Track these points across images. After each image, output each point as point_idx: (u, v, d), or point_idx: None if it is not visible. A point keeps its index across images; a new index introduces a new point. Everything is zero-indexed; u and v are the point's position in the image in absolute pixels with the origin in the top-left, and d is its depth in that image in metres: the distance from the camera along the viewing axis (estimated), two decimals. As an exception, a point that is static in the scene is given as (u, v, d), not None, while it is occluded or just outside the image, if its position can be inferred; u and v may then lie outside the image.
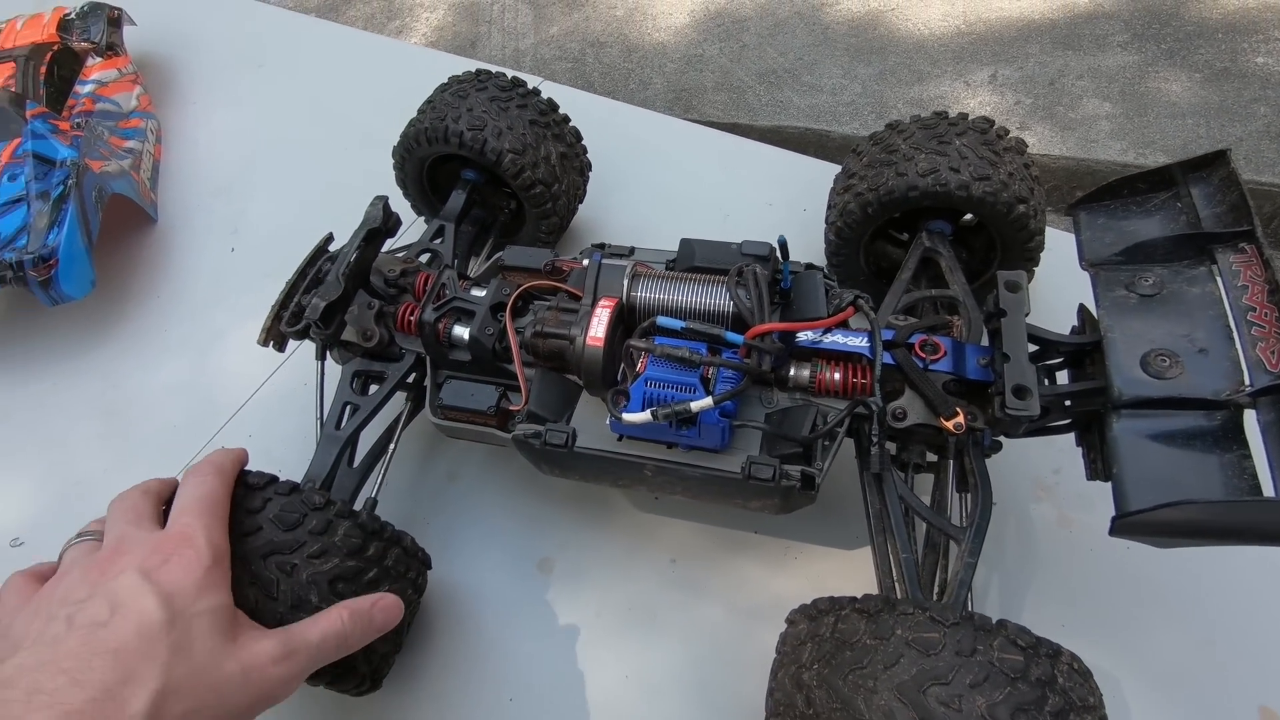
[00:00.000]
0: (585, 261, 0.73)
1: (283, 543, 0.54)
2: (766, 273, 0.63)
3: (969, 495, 0.60)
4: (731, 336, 0.59)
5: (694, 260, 0.68)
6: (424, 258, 0.79)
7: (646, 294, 0.65)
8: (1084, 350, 0.57)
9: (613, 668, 0.70)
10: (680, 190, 1.06)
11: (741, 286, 0.62)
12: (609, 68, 2.52)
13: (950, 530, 0.58)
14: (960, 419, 0.57)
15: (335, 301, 0.66)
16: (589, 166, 0.95)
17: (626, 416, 0.57)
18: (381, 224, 0.71)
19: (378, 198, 0.74)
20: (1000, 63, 2.24)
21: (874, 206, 0.75)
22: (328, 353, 0.73)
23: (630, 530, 0.77)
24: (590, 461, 0.63)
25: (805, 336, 0.62)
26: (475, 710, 0.69)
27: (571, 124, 0.91)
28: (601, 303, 0.63)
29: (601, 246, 0.76)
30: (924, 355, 0.60)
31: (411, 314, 0.71)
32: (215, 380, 0.95)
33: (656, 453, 0.62)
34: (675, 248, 0.71)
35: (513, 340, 0.68)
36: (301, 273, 0.76)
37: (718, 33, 2.48)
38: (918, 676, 0.45)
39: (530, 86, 0.89)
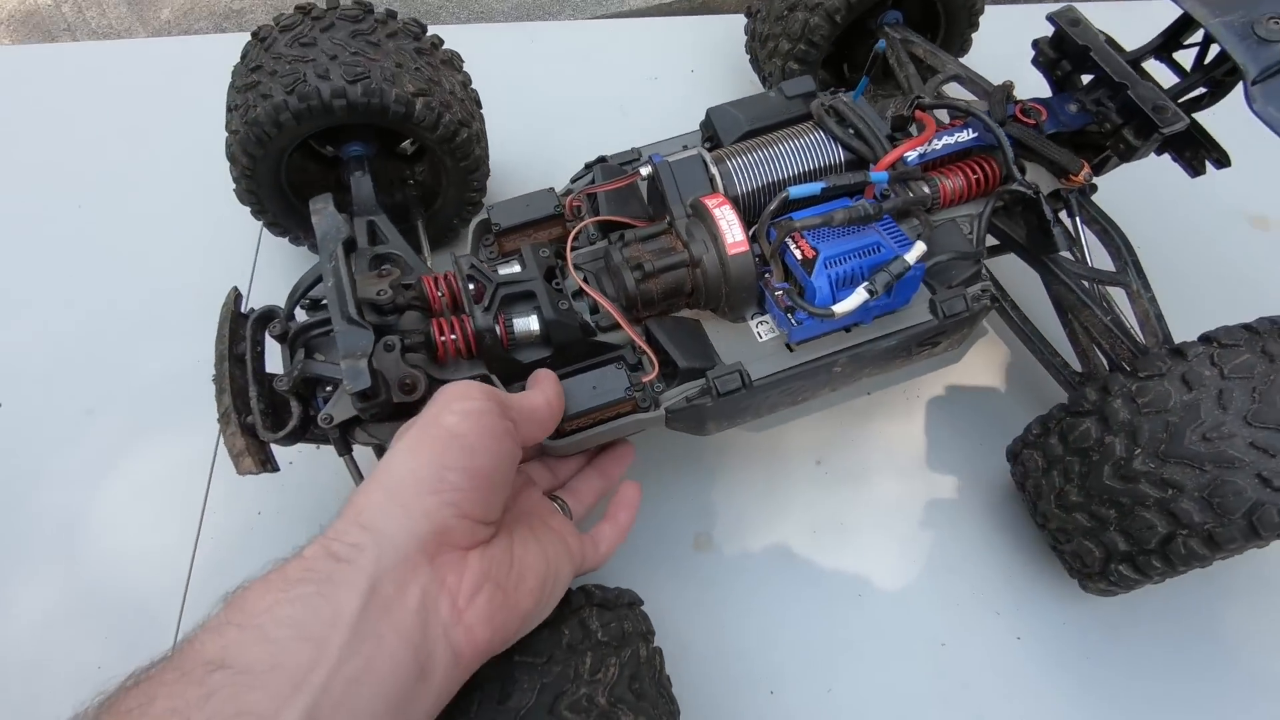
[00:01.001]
0: (596, 182, 0.57)
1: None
2: (853, 100, 0.54)
3: (1099, 243, 0.60)
4: (876, 176, 0.50)
5: (745, 126, 0.57)
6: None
7: (744, 177, 0.53)
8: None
9: (842, 588, 0.62)
10: (566, 96, 0.90)
11: (842, 125, 0.53)
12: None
13: (1118, 279, 0.57)
14: (1087, 169, 0.55)
15: (370, 360, 0.44)
16: (478, 98, 0.75)
17: (839, 307, 0.46)
18: (350, 239, 0.48)
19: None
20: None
21: (843, 13, 0.69)
22: (352, 437, 0.50)
23: (757, 464, 0.68)
24: (772, 390, 0.52)
25: (913, 153, 0.55)
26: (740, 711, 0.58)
27: (447, 46, 0.70)
28: (711, 205, 0.50)
29: (602, 159, 0.60)
30: (1030, 121, 0.56)
31: (452, 332, 0.50)
32: (122, 582, 0.64)
33: (842, 344, 0.52)
34: (635, 145, 0.60)
35: (604, 302, 0.52)
36: (231, 355, 0.50)
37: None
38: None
39: (379, 10, 0.66)
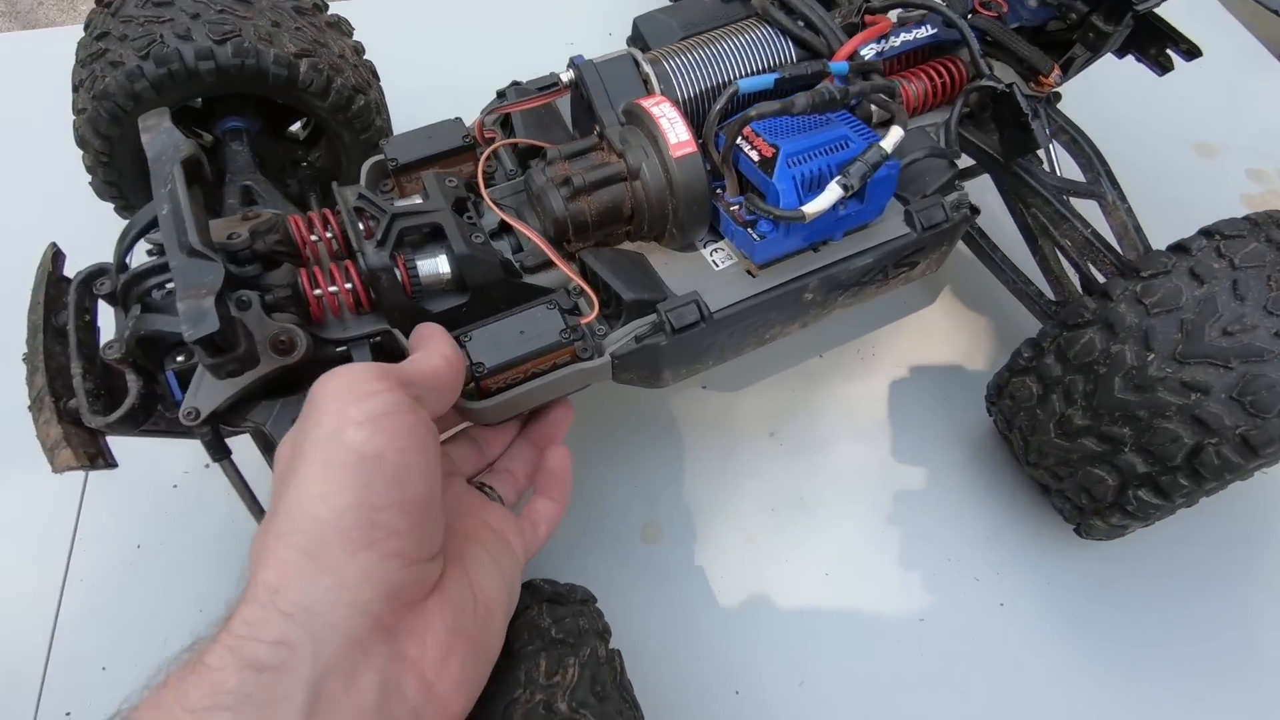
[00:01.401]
0: (482, 116, 0.49)
1: None
2: (799, -9, 0.47)
3: (1067, 155, 0.55)
4: (835, 66, 0.43)
5: (679, 33, 0.49)
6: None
7: (685, 78, 0.45)
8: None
9: (808, 568, 0.54)
10: (475, 71, 0.81)
11: (790, 17, 0.46)
12: None
13: (1092, 190, 0.52)
14: (1057, 70, 0.50)
15: (222, 304, 0.33)
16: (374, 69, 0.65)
17: (809, 207, 0.39)
18: (195, 159, 0.37)
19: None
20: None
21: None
22: (217, 431, 0.39)
23: (707, 442, 0.60)
24: (735, 325, 0.44)
25: (868, 49, 0.49)
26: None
27: (330, 9, 0.61)
28: (648, 105, 0.42)
29: (516, 84, 0.52)
30: (992, 14, 0.51)
31: (332, 283, 0.40)
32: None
33: (812, 264, 0.45)
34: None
35: (528, 231, 0.43)
36: (47, 326, 0.39)
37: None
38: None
39: None
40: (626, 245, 0.47)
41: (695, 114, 0.46)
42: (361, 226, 0.42)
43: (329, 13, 0.61)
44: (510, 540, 0.38)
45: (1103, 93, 0.60)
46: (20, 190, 0.71)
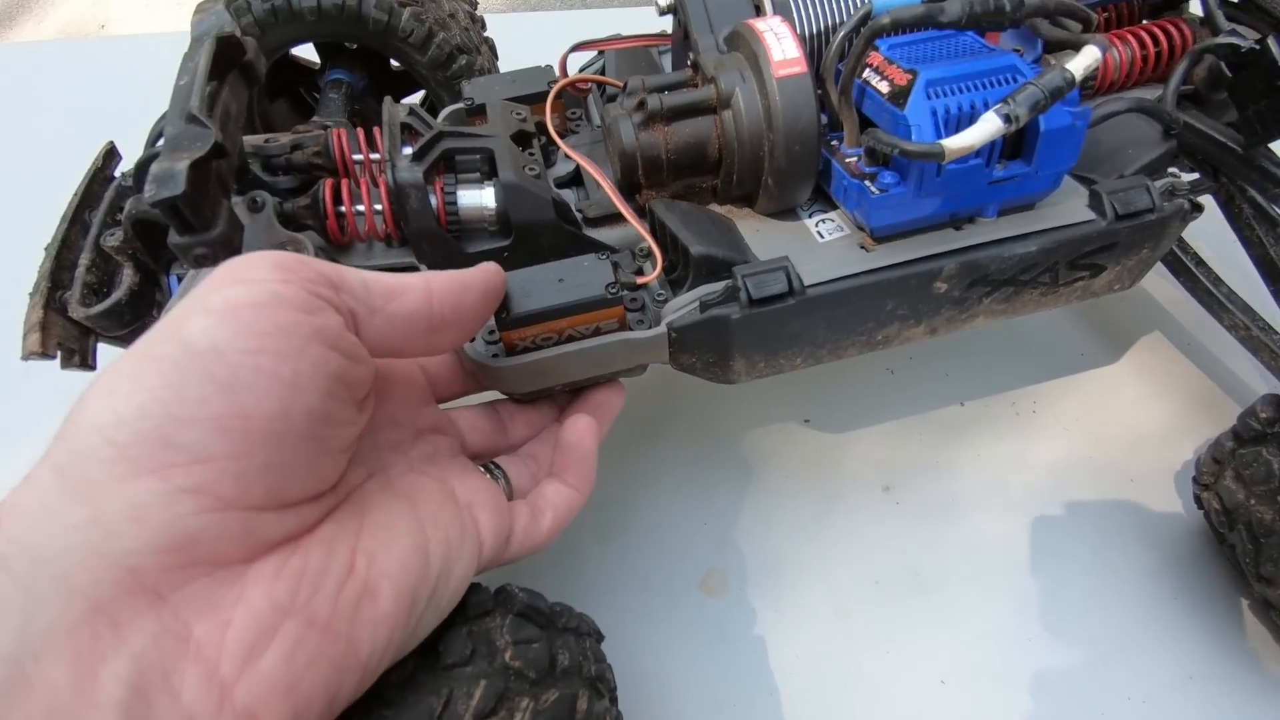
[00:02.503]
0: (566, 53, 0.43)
1: None
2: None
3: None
4: (1010, -13, 0.33)
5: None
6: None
7: (808, 6, 0.36)
8: None
9: (918, 668, 0.40)
10: None
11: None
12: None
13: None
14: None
15: (202, 174, 0.28)
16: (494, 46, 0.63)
17: (953, 141, 0.28)
18: (233, 39, 0.34)
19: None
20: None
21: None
22: None
23: (802, 484, 0.48)
24: (835, 309, 0.34)
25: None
26: None
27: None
28: (755, 23, 0.34)
29: (618, 35, 0.46)
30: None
31: (358, 202, 0.35)
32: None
33: (950, 243, 0.34)
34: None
35: (595, 171, 0.36)
36: (76, 218, 0.36)
37: None
38: None
39: None
40: (714, 207, 0.38)
41: (815, 54, 0.37)
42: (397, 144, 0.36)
43: None
44: (478, 518, 0.28)
45: None
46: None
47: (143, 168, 0.33)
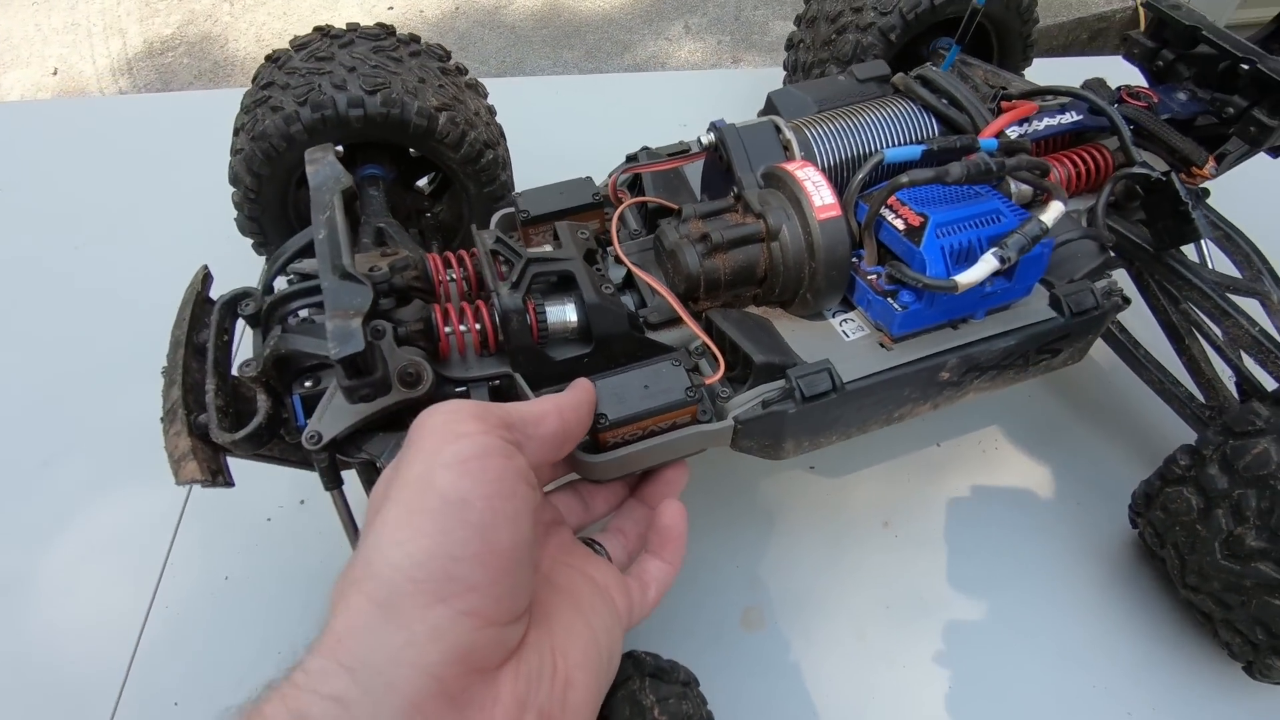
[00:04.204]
0: (617, 175, 0.49)
1: None
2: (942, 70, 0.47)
3: (1219, 252, 0.51)
4: (985, 143, 0.42)
5: (813, 109, 0.49)
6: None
7: (826, 145, 0.45)
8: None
9: (927, 679, 0.49)
10: (594, 143, 0.84)
11: (934, 94, 0.45)
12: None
13: (1254, 288, 0.48)
14: (1212, 161, 0.48)
15: (365, 321, 0.33)
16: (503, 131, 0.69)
17: (963, 277, 0.37)
18: (351, 191, 0.39)
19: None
20: (686, 14, 2.35)
21: (898, 31, 0.64)
22: (334, 459, 0.38)
23: (814, 526, 0.56)
24: (866, 399, 0.42)
25: (1013, 131, 0.48)
26: None
27: (470, 74, 0.65)
28: (792, 168, 0.41)
29: (646, 149, 0.53)
30: (1142, 104, 0.49)
31: (463, 321, 0.40)
32: (59, 657, 0.50)
33: (951, 342, 0.42)
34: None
35: (658, 286, 0.42)
36: (189, 343, 0.40)
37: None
38: None
39: (403, 33, 0.61)
40: (751, 309, 0.45)
41: (835, 183, 0.45)
42: (493, 269, 0.42)
43: (468, 76, 0.65)
44: (615, 598, 0.35)
45: (1244, 196, 0.57)
46: (171, 230, 0.76)
47: (274, 309, 0.38)
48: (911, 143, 0.45)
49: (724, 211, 0.44)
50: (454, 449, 0.27)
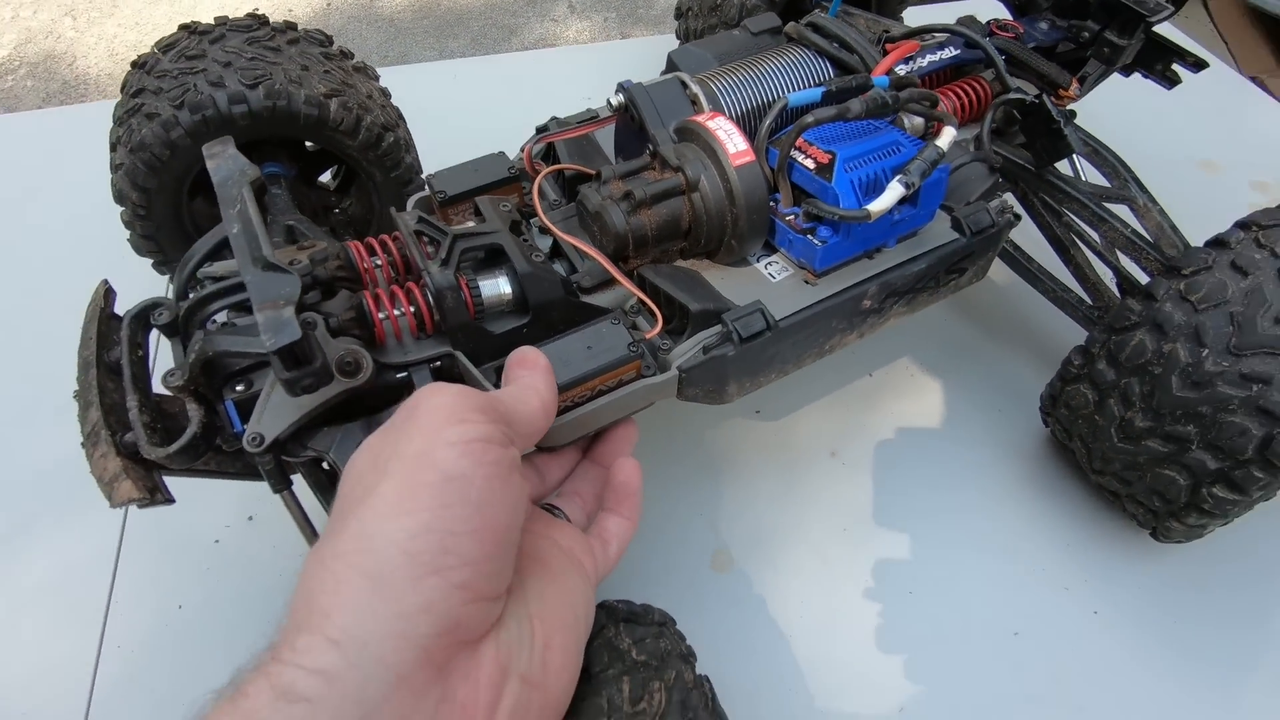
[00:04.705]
0: (529, 146, 0.50)
1: None
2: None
3: (1090, 167, 0.57)
4: (878, 80, 0.45)
5: (714, 64, 0.51)
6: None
7: (732, 97, 0.46)
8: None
9: (891, 587, 0.52)
10: (498, 126, 0.83)
11: (825, 39, 0.48)
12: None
13: (1124, 194, 0.53)
14: (1076, 84, 0.52)
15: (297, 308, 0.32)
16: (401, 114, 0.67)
17: (874, 205, 0.39)
18: (259, 181, 0.37)
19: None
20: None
21: None
22: (279, 460, 0.37)
23: (767, 466, 0.58)
24: (799, 334, 0.44)
25: (900, 68, 0.51)
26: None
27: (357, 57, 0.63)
28: (703, 120, 0.43)
29: (555, 119, 0.53)
30: (1010, 35, 0.53)
31: (396, 306, 0.39)
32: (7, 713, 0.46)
33: (869, 271, 0.45)
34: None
35: (589, 249, 0.43)
36: (100, 362, 0.38)
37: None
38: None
39: (276, 21, 0.58)
40: (679, 263, 0.47)
41: (744, 131, 0.47)
42: (419, 250, 0.41)
43: (355, 59, 0.63)
44: (581, 559, 0.36)
45: (1105, 118, 0.62)
46: (58, 254, 0.70)
47: (193, 313, 0.36)
48: (810, 86, 0.47)
49: (642, 170, 0.44)
50: (458, 430, 0.27)
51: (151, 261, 0.58)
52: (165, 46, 0.56)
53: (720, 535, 0.54)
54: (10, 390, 0.61)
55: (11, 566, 0.51)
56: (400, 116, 0.65)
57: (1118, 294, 0.56)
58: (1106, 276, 0.57)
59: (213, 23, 0.57)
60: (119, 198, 0.54)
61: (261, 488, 0.54)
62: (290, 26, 0.59)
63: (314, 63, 0.57)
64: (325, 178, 0.67)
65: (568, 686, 0.30)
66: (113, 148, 0.55)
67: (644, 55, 0.93)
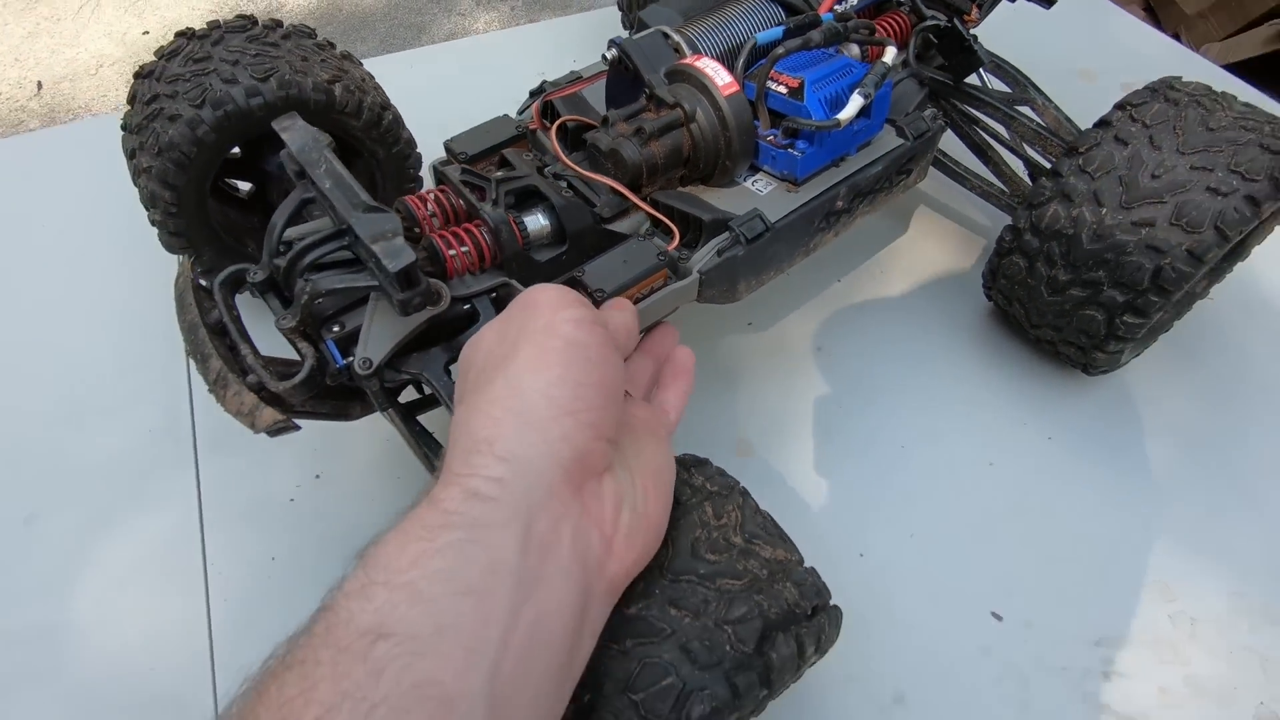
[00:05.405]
0: (535, 106, 0.56)
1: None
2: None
3: (993, 76, 0.67)
4: (825, 16, 0.54)
5: (679, 19, 0.59)
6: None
7: (708, 41, 0.54)
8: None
9: (885, 447, 0.62)
10: (464, 110, 0.88)
11: (775, -15, 0.56)
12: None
13: (1025, 97, 0.64)
14: (976, 9, 0.63)
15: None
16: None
17: (843, 114, 0.48)
18: (332, 140, 0.43)
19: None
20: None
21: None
22: (383, 383, 0.43)
23: (767, 367, 0.67)
24: (790, 233, 0.52)
25: (839, 5, 0.60)
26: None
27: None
28: (691, 60, 0.51)
29: (544, 83, 0.60)
30: (916, -29, 0.63)
31: (462, 244, 0.46)
32: (134, 677, 0.50)
33: (838, 176, 0.54)
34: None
35: (610, 182, 0.50)
36: (204, 324, 0.43)
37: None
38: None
39: (265, 20, 0.62)
40: (680, 189, 0.54)
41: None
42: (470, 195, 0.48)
43: (339, 49, 0.67)
44: (654, 427, 0.43)
45: (999, 39, 0.74)
46: (87, 270, 0.73)
47: (294, 262, 0.41)
48: (770, 26, 0.56)
49: (641, 112, 0.52)
50: (571, 312, 0.35)
51: (179, 258, 0.62)
52: (168, 54, 0.59)
53: (740, 426, 0.63)
54: (57, 395, 0.63)
55: (106, 549, 0.55)
56: (387, 96, 0.69)
57: (1029, 181, 0.67)
58: (1019, 169, 0.68)
59: (207, 27, 0.60)
60: (151, 200, 0.57)
61: (325, 449, 0.60)
62: (277, 24, 0.63)
63: (310, 53, 0.61)
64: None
65: (663, 517, 0.38)
66: (131, 155, 0.58)
67: (585, 30, 1.00)
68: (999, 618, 0.54)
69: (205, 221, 0.60)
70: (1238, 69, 1.03)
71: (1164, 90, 0.57)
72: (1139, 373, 0.67)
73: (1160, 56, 0.99)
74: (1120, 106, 0.58)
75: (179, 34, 0.61)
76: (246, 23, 0.62)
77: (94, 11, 2.22)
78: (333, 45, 0.66)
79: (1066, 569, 0.56)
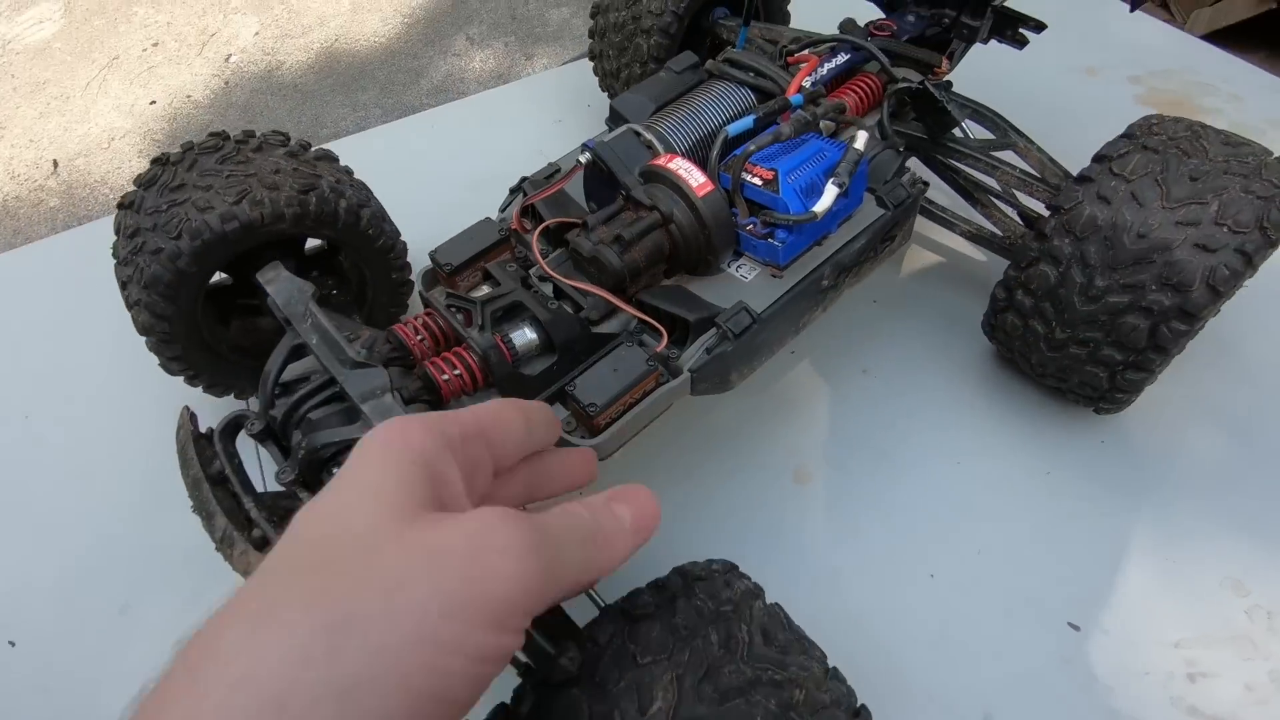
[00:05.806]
0: (515, 209, 0.57)
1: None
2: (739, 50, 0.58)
3: (974, 125, 0.67)
4: (794, 99, 0.54)
5: (652, 106, 0.59)
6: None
7: (679, 135, 0.55)
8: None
9: (939, 464, 0.62)
10: (458, 175, 0.89)
11: (742, 71, 0.57)
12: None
13: (1006, 142, 0.64)
14: (945, 62, 0.63)
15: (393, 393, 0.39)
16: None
17: (818, 207, 0.48)
18: (315, 290, 0.44)
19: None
20: (463, 26, 2.38)
21: (675, 26, 0.75)
22: None
23: (811, 394, 0.68)
24: (777, 319, 0.53)
25: (808, 81, 0.60)
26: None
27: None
28: (663, 162, 0.51)
29: (524, 179, 0.60)
30: (886, 34, 0.63)
31: (454, 368, 0.47)
32: None
33: (821, 256, 0.54)
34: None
35: (593, 289, 0.51)
36: (207, 476, 0.44)
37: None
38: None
39: (236, 133, 0.63)
40: (665, 282, 0.55)
41: (696, 163, 0.55)
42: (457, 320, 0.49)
43: (314, 149, 0.67)
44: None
45: (1006, 49, 0.74)
46: (95, 381, 0.75)
47: (289, 416, 0.43)
48: (739, 114, 0.56)
49: (619, 213, 0.53)
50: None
51: (183, 379, 0.63)
52: (146, 183, 0.60)
53: (796, 454, 0.63)
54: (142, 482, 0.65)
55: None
56: (369, 190, 0.69)
57: (1021, 223, 0.66)
58: (1012, 211, 0.67)
59: (180, 150, 0.61)
60: (145, 329, 0.59)
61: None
62: (250, 135, 0.64)
63: (283, 162, 0.61)
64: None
65: None
66: (123, 286, 0.60)
67: (559, 85, 1.00)
68: (1076, 627, 0.54)
69: (202, 345, 0.61)
70: (1227, 35, 1.02)
71: (1143, 137, 0.57)
72: (1183, 369, 0.65)
73: (1162, 47, 0.98)
74: (1099, 159, 0.57)
75: (154, 161, 0.61)
76: (218, 141, 0.62)
77: (101, 86, 2.29)
78: (306, 147, 0.66)
79: (1135, 573, 0.56)
